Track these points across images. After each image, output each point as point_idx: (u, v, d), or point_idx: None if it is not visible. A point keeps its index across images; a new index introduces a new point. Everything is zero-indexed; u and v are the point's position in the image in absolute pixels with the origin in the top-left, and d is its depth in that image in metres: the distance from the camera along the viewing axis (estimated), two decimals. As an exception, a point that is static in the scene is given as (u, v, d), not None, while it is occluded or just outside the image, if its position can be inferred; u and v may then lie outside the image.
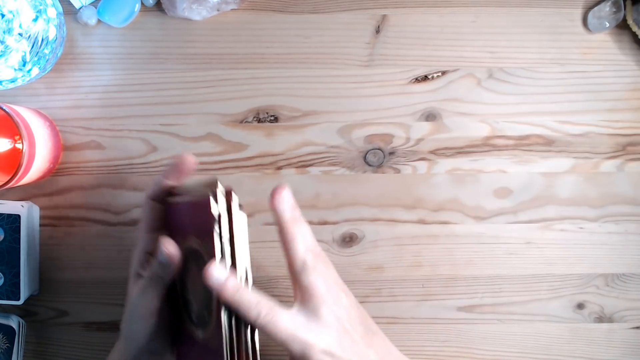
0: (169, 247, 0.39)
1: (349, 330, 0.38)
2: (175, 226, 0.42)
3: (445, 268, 0.57)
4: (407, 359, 0.41)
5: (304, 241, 0.39)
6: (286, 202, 0.39)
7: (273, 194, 0.39)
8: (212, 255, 0.37)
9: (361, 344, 0.38)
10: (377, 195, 0.57)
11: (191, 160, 0.41)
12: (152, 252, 0.42)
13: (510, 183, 0.57)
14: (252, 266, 0.41)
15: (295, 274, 0.39)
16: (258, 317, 0.36)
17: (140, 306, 0.40)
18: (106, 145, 0.55)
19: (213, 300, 0.38)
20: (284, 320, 0.37)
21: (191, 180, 0.42)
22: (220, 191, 0.38)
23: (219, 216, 0.37)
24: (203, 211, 0.37)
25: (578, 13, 0.57)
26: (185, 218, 0.40)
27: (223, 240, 0.37)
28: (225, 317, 0.37)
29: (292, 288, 0.39)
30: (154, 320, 0.40)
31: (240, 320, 0.38)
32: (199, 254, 0.39)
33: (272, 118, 0.56)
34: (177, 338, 0.43)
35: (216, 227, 0.36)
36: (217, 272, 0.36)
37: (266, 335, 0.37)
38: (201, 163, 0.56)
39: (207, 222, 0.37)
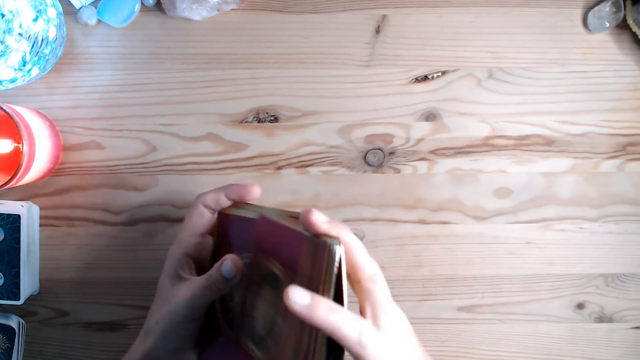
0: (238, 265, 0.39)
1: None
2: (244, 241, 0.42)
3: (445, 268, 0.57)
4: None
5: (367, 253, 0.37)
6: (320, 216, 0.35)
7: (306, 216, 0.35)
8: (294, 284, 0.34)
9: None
10: (377, 195, 0.57)
11: (257, 193, 0.43)
12: (191, 255, 0.43)
13: (510, 183, 0.57)
14: None
15: (366, 284, 0.36)
16: (360, 336, 0.33)
17: (188, 310, 0.40)
18: (106, 145, 0.55)
19: (276, 326, 0.36)
20: (378, 339, 0.34)
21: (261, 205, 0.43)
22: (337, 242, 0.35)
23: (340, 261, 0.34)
24: (298, 243, 0.35)
25: (578, 13, 0.57)
26: (269, 240, 0.39)
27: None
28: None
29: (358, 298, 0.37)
30: (196, 323, 0.41)
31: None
32: (277, 279, 0.37)
33: (272, 118, 0.56)
34: (207, 342, 0.43)
35: (337, 271, 0.34)
36: (300, 295, 0.32)
37: (362, 357, 0.33)
38: (201, 163, 0.56)
39: (298, 254, 0.35)
